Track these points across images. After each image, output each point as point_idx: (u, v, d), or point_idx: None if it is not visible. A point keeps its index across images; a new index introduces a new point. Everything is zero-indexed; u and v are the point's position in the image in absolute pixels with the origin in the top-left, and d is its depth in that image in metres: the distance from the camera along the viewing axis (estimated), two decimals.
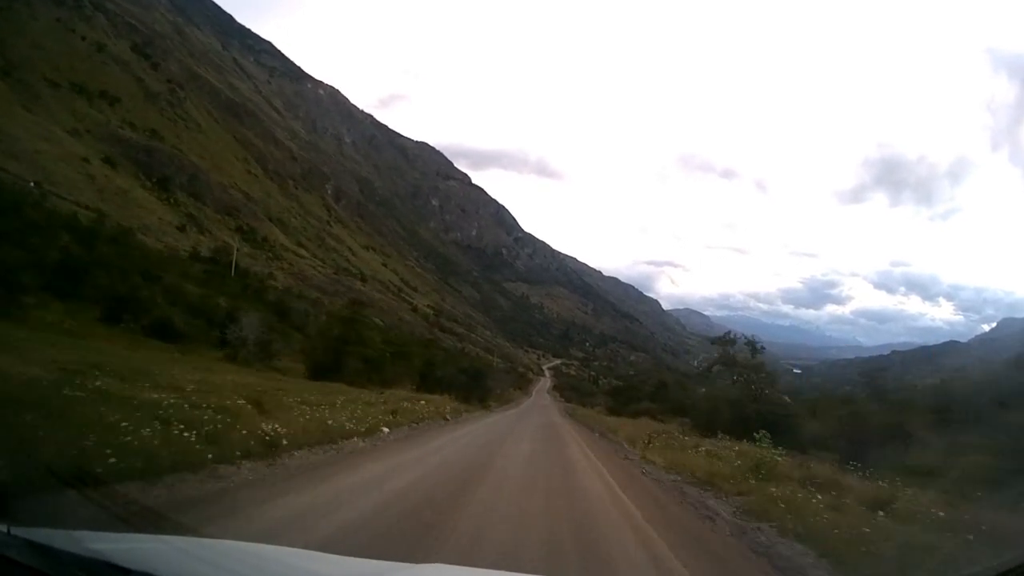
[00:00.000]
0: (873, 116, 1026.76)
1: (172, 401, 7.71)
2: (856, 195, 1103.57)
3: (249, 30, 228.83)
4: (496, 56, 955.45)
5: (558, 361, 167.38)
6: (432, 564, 2.86)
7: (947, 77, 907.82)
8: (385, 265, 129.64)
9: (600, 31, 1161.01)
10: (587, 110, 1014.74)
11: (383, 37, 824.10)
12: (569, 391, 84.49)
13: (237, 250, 42.20)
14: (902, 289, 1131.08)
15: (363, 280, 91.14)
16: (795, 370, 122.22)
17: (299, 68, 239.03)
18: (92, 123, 65.72)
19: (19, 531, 1.61)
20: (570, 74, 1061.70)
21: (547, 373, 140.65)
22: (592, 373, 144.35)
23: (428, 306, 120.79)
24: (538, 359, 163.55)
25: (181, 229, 51.34)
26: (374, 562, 2.54)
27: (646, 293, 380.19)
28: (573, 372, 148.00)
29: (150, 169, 64.71)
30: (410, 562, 2.67)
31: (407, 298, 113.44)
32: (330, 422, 10.24)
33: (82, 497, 3.40)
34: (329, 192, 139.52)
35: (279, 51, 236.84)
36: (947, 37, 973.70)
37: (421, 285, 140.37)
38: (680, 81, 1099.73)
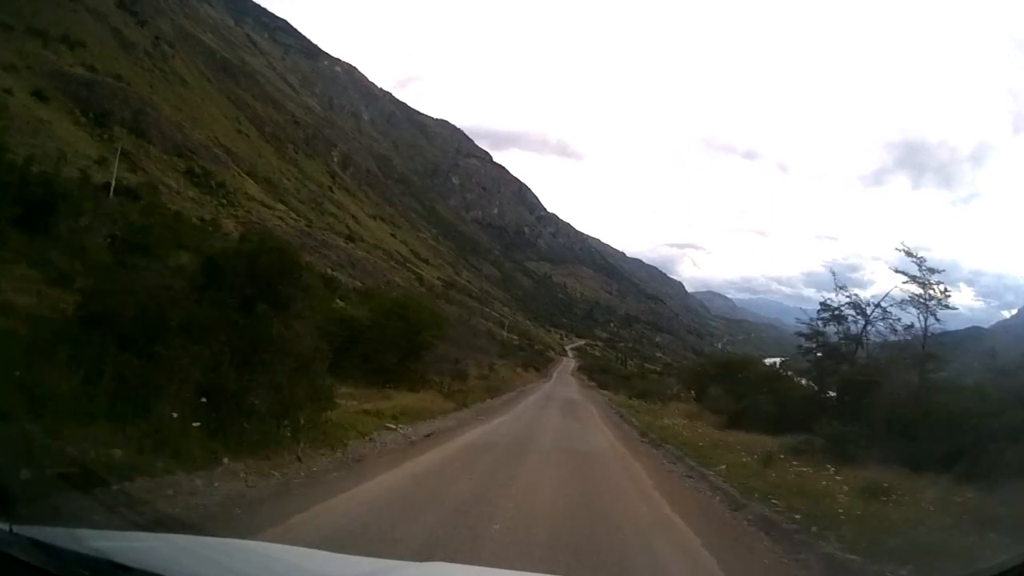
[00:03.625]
0: (895, 98, 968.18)
1: None
2: (877, 178, 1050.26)
3: (264, 8, 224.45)
4: (515, 37, 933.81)
5: (582, 342, 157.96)
6: (434, 563, 2.75)
7: (970, 61, 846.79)
8: (394, 235, 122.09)
9: (621, 11, 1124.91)
10: (607, 92, 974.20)
11: (403, 16, 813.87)
12: (600, 373, 68.83)
13: (120, 152, 33.92)
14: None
15: (350, 240, 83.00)
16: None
17: (315, 46, 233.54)
18: (36, 61, 59.23)
19: (22, 529, 1.60)
20: (590, 55, 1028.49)
21: (571, 353, 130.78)
22: (619, 355, 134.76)
23: (438, 278, 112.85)
24: (561, 339, 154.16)
25: (100, 163, 44.19)
26: (376, 560, 2.47)
27: (669, 275, 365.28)
28: (598, 353, 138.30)
29: (88, 104, 57.81)
30: None
31: (414, 268, 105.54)
32: None
33: None
34: (335, 160, 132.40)
35: (295, 29, 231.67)
36: (971, 21, 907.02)
37: (434, 258, 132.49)
38: (702, 62, 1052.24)
